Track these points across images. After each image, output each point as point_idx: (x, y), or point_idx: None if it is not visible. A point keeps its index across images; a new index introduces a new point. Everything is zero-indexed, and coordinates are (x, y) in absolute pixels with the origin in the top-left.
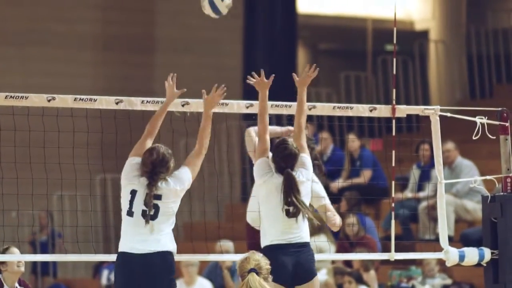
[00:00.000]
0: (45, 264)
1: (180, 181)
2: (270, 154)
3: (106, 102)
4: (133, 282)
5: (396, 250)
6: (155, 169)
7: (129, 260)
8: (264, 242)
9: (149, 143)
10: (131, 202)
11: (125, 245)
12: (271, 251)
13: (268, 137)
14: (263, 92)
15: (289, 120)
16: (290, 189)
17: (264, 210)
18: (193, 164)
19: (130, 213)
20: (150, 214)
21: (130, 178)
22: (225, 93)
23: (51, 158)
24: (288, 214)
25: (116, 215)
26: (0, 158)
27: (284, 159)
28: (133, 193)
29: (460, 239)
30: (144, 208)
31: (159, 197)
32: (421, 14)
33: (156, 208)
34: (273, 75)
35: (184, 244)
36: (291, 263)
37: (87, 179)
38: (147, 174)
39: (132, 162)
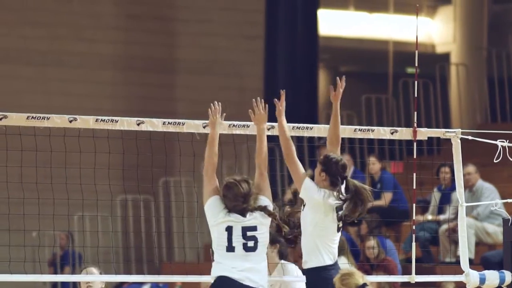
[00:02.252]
0: (66, 284)
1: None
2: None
3: (127, 123)
4: None
5: (417, 273)
6: (246, 202)
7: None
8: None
9: (215, 177)
10: (229, 239)
11: (231, 273)
12: None
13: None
14: (260, 128)
15: (309, 141)
16: None
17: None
18: (265, 189)
19: (231, 248)
20: (250, 246)
21: (222, 217)
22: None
23: (72, 178)
24: None
25: (136, 236)
26: (22, 178)
27: None
28: (229, 229)
29: (481, 262)
30: (244, 241)
31: (254, 228)
32: (442, 37)
33: (255, 239)
34: (266, 105)
35: (204, 264)
36: None
37: (108, 199)
38: (239, 207)
39: (215, 201)
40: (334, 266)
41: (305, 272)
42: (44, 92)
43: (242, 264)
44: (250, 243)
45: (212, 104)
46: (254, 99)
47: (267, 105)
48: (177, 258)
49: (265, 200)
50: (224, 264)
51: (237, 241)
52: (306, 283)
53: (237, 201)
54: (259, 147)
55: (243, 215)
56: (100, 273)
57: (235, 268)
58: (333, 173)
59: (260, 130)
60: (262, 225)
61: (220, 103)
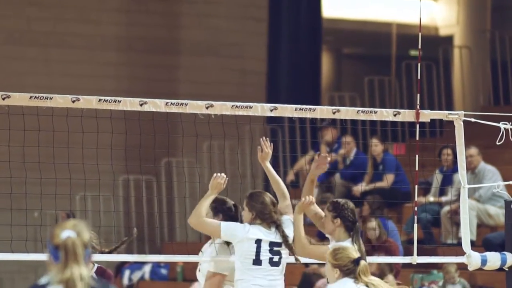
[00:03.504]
0: None
1: (290, 229)
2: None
3: (130, 104)
4: None
5: (418, 254)
6: (276, 211)
7: None
8: None
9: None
10: (257, 252)
11: None
12: None
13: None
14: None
15: (312, 123)
16: None
17: None
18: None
19: (258, 262)
20: (275, 261)
21: (250, 230)
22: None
23: (74, 158)
24: None
25: (138, 216)
26: (24, 158)
27: None
28: (258, 242)
29: (483, 244)
30: (271, 256)
31: (280, 244)
32: (446, 19)
33: (279, 255)
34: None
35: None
36: None
37: (110, 180)
38: (269, 215)
39: (232, 222)
40: None
41: None
42: (47, 73)
43: (266, 281)
44: (275, 258)
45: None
46: (261, 138)
47: (272, 144)
48: (179, 238)
49: (288, 223)
50: (248, 282)
51: (265, 254)
52: None
53: (268, 209)
54: (273, 181)
55: (269, 227)
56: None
57: (259, 285)
58: (346, 218)
59: (265, 167)
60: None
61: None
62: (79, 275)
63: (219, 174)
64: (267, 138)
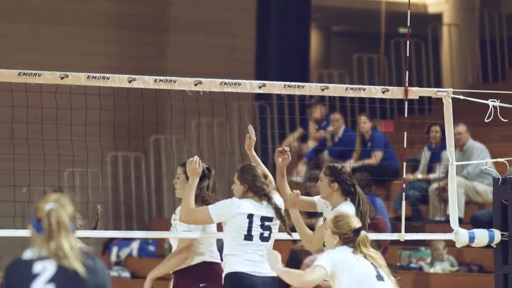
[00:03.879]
0: None
1: (279, 201)
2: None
3: (119, 80)
4: None
5: (406, 231)
6: (267, 184)
7: (252, 282)
8: None
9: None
10: (249, 228)
11: (248, 267)
12: None
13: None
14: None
15: (301, 100)
16: None
17: None
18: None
19: (249, 237)
20: (266, 236)
21: (241, 205)
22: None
23: (63, 135)
24: None
25: (126, 193)
26: (13, 134)
27: None
28: (251, 217)
29: (471, 221)
30: (262, 231)
31: (271, 219)
32: None
33: (270, 230)
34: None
35: None
36: None
37: (98, 156)
38: (261, 188)
39: (223, 201)
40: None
41: None
42: (36, 50)
43: (257, 256)
44: (266, 233)
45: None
46: (249, 126)
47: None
48: (167, 215)
49: (279, 199)
50: (239, 257)
51: (256, 230)
52: None
53: (259, 181)
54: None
55: (261, 201)
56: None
57: (250, 260)
58: (344, 181)
59: (251, 155)
60: (276, 218)
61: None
62: (69, 245)
63: (192, 159)
64: (252, 126)
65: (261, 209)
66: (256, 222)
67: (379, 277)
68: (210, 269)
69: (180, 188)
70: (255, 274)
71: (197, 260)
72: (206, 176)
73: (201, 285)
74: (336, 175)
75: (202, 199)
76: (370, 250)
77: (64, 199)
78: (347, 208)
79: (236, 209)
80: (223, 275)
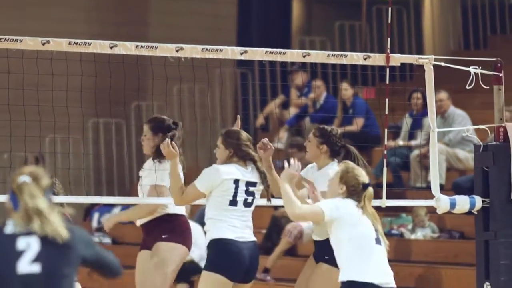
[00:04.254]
0: None
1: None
2: None
3: (100, 47)
4: (244, 267)
5: (387, 198)
6: (252, 148)
7: (238, 248)
8: None
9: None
10: (235, 193)
11: (233, 233)
12: None
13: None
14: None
15: (282, 66)
16: None
17: None
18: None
19: (233, 203)
20: (249, 202)
21: (228, 171)
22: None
23: (44, 101)
24: None
25: (107, 159)
26: None
27: None
28: (236, 182)
29: (452, 188)
30: (246, 197)
31: (255, 184)
32: None
33: (253, 196)
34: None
35: None
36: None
37: (80, 122)
38: (246, 152)
39: (209, 168)
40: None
41: None
42: (19, 17)
43: (240, 221)
44: (249, 199)
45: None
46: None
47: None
48: None
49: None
50: (224, 222)
51: (241, 195)
52: None
53: (245, 145)
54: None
55: (246, 165)
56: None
57: (235, 226)
58: (334, 143)
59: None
60: (259, 184)
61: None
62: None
63: (164, 143)
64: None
65: (246, 174)
66: (242, 187)
67: (378, 241)
68: (173, 221)
69: (146, 145)
70: (240, 240)
71: (160, 212)
72: (173, 128)
73: (163, 236)
74: (325, 137)
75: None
76: (372, 210)
77: (38, 172)
78: (335, 169)
79: (222, 175)
80: (207, 240)
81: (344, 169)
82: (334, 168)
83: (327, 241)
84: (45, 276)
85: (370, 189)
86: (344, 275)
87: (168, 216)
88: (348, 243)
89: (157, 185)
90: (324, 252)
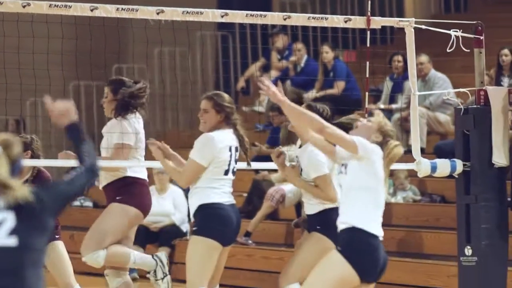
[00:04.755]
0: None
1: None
2: None
3: (81, 9)
4: (234, 230)
5: None
6: (236, 115)
7: (227, 211)
8: None
9: None
10: (229, 162)
11: (222, 198)
12: None
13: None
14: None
15: (263, 29)
16: None
17: None
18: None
19: (227, 172)
20: (235, 170)
21: (223, 138)
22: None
23: (25, 64)
24: None
25: (88, 122)
26: None
27: None
28: (231, 149)
29: (434, 151)
30: (235, 165)
31: (237, 149)
32: None
33: (236, 162)
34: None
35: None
36: None
37: (61, 85)
38: (233, 114)
39: (202, 151)
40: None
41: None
42: None
43: (229, 188)
44: (235, 167)
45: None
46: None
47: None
48: None
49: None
50: (217, 189)
51: (232, 163)
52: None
53: (234, 111)
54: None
55: (230, 131)
56: None
57: (225, 193)
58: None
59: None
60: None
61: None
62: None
63: (149, 141)
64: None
65: (233, 141)
66: (233, 155)
67: (384, 204)
68: (131, 184)
69: (107, 107)
70: (228, 204)
71: (119, 175)
72: (134, 96)
73: (117, 197)
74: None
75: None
76: (388, 168)
77: (9, 141)
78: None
79: (218, 143)
80: (195, 205)
81: (382, 121)
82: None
83: (319, 214)
84: (20, 249)
85: (400, 149)
86: (354, 221)
87: (126, 179)
88: (367, 191)
89: (123, 143)
90: (316, 223)
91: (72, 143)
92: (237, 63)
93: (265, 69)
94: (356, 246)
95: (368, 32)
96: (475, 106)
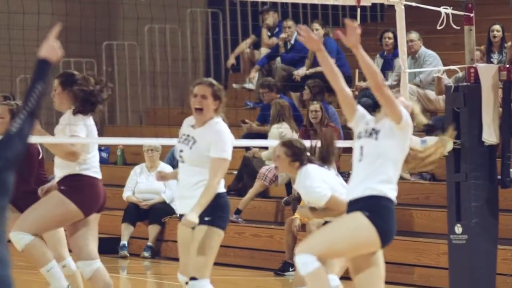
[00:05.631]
0: None
1: None
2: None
3: None
4: None
5: None
6: None
7: (226, 199)
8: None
9: None
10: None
11: (222, 188)
12: None
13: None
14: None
15: (254, 6)
16: None
17: None
18: None
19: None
20: None
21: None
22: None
23: (15, 40)
24: None
25: None
26: None
27: None
28: None
29: (424, 129)
30: None
31: None
32: None
33: None
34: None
35: (146, 128)
36: None
37: None
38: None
39: (227, 146)
40: None
41: None
42: None
43: None
44: None
45: None
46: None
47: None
48: (119, 122)
49: None
50: (220, 182)
51: None
52: None
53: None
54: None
55: None
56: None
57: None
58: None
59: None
60: None
61: None
62: None
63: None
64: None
65: None
66: None
67: None
68: (81, 181)
69: (57, 100)
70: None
71: (74, 171)
72: (87, 92)
73: (62, 187)
74: (295, 155)
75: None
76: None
77: None
78: (324, 172)
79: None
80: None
81: (417, 108)
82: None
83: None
84: None
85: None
86: (381, 188)
87: (80, 176)
88: (394, 163)
89: (72, 135)
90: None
91: (33, 75)
92: (227, 40)
93: (255, 46)
94: (383, 213)
95: (359, 9)
96: (465, 83)
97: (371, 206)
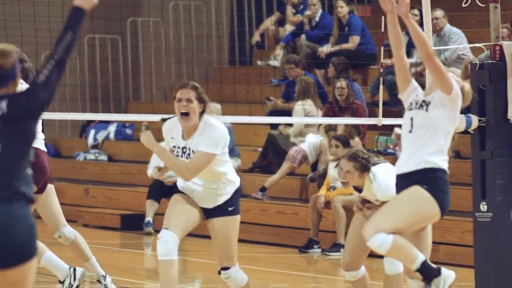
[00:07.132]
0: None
1: None
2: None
3: None
4: None
5: (383, 116)
6: None
7: None
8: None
9: None
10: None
11: None
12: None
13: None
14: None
15: None
16: None
17: None
18: None
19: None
20: None
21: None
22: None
23: (40, 17)
24: None
25: (103, 75)
26: None
27: None
28: None
29: None
30: None
31: None
32: None
33: None
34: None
35: (171, 105)
36: None
37: None
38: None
39: (218, 143)
40: None
41: None
42: None
43: None
44: None
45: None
46: None
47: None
48: (144, 99)
49: None
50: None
51: None
52: None
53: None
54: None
55: None
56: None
57: None
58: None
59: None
60: None
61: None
62: None
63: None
64: None
65: None
66: None
67: None
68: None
69: None
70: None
71: None
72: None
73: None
74: (364, 167)
75: None
76: None
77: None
78: (386, 167)
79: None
80: (234, 188)
81: (469, 87)
82: (385, 169)
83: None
84: (4, 155)
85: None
86: (436, 160)
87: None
88: (446, 134)
89: None
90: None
91: (65, 23)
92: (252, 17)
93: (280, 23)
94: (440, 185)
95: None
96: (490, 61)
97: (428, 179)
